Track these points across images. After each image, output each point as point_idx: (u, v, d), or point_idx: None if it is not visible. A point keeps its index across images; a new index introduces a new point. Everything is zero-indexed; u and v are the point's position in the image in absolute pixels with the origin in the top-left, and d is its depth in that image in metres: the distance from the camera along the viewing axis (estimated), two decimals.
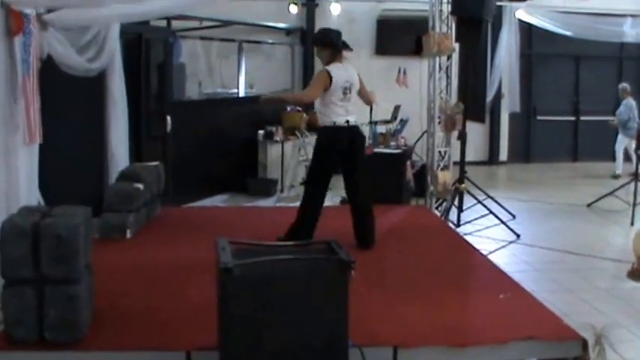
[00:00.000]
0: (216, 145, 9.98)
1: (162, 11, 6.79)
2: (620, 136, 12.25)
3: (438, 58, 7.98)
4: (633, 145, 11.27)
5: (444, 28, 8.04)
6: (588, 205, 9.81)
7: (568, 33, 12.45)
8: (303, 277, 3.17)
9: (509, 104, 13.51)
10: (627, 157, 12.15)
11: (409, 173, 8.23)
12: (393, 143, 9.95)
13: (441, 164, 8.18)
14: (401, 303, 4.44)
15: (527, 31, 13.67)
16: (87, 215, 3.89)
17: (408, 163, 8.33)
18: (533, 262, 7.06)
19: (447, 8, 8.06)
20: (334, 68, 5.81)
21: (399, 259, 5.81)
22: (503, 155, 14.42)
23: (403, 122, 10.64)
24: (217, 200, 9.83)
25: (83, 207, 3.96)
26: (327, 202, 8.80)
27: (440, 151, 8.28)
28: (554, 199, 10.49)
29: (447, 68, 8.20)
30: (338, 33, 6.01)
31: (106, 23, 6.79)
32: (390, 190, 7.95)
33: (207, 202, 9.63)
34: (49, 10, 5.87)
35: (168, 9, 6.62)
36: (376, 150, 8.50)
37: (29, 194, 5.51)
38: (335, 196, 9.82)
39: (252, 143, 10.68)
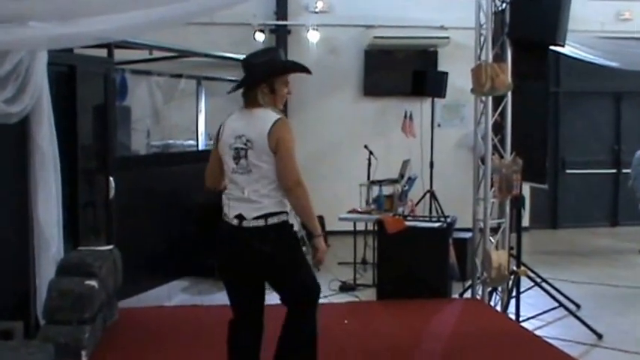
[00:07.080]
0: (171, 214, 8.98)
1: (102, 34, 6.01)
2: None
3: (490, 99, 7.09)
4: None
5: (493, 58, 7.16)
6: None
7: (613, 64, 11.59)
8: None
9: None
10: None
11: (453, 254, 7.28)
12: (401, 209, 9.22)
13: (494, 241, 7.26)
14: None
15: (554, 64, 12.97)
16: None
17: (450, 240, 7.36)
18: None
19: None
20: (229, 118, 4.54)
21: None
22: (526, 220, 13.64)
23: (411, 181, 10.04)
24: (177, 287, 8.88)
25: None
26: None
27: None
28: (615, 279, 9.70)
29: (500, 112, 7.28)
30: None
31: (30, 48, 5.96)
32: (432, 277, 7.11)
33: (164, 289, 8.72)
34: None
35: (110, 32, 5.95)
36: (410, 224, 7.50)
37: None
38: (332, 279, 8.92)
39: (216, 211, 9.59)
